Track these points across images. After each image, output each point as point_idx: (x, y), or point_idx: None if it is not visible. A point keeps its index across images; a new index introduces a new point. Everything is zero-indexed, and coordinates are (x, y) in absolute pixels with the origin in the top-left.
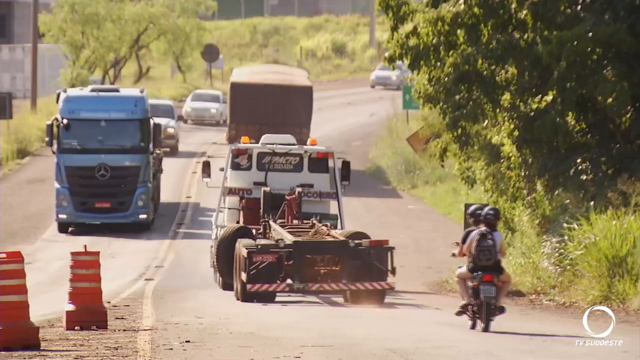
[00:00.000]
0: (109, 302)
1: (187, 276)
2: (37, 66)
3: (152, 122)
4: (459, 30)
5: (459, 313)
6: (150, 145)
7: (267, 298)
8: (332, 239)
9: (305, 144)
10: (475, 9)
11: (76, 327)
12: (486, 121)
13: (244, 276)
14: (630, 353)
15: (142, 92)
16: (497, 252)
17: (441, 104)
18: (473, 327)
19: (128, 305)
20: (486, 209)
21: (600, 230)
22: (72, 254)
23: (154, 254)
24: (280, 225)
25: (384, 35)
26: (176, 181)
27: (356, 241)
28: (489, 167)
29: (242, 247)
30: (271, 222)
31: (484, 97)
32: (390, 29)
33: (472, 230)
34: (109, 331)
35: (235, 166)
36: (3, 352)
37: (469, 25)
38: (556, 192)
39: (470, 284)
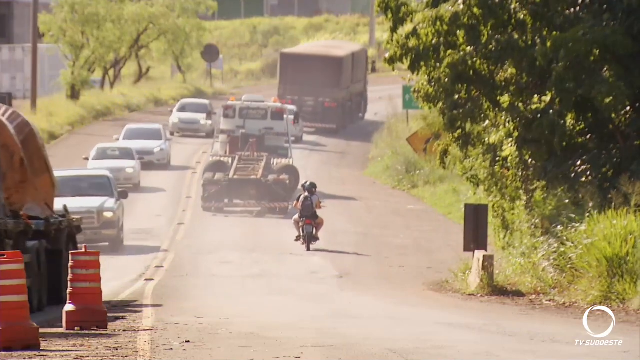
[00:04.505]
0: (109, 302)
1: (187, 276)
2: (37, 66)
3: None
4: (458, 31)
5: (296, 240)
6: None
7: (218, 210)
8: (253, 177)
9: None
10: (475, 10)
11: (76, 327)
12: (487, 122)
13: (201, 198)
14: (630, 353)
15: None
16: (313, 208)
17: (440, 104)
18: (305, 248)
19: (128, 305)
20: (307, 183)
21: (601, 231)
22: (72, 254)
23: (154, 254)
24: (246, 157)
25: (384, 35)
26: (176, 182)
27: (267, 178)
28: (489, 167)
29: (203, 179)
30: (236, 157)
31: (483, 97)
32: (389, 30)
33: (301, 195)
34: (109, 331)
35: (225, 115)
36: (3, 352)
37: (469, 26)
38: (556, 193)
39: (300, 224)
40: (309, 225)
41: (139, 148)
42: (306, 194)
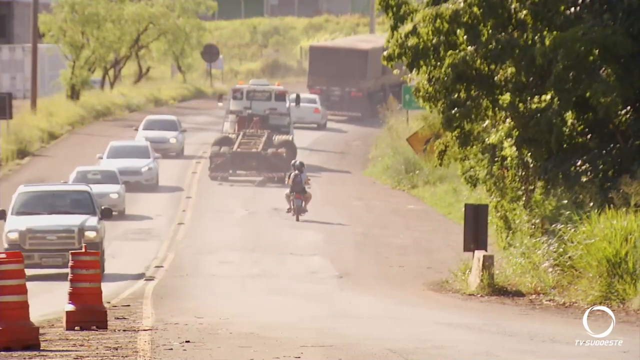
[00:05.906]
0: (109, 302)
1: (187, 276)
2: (37, 66)
3: None
4: (458, 30)
5: (287, 212)
6: None
7: (223, 179)
8: (253, 151)
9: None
10: (475, 9)
11: (76, 327)
12: (486, 121)
13: (208, 169)
14: (630, 353)
15: None
16: (303, 184)
17: (440, 102)
18: (295, 219)
19: (128, 305)
20: (297, 162)
21: (600, 231)
22: (72, 254)
23: (154, 254)
24: (250, 133)
25: (384, 35)
26: (176, 182)
27: (266, 151)
28: (489, 167)
29: (210, 152)
30: (241, 133)
31: (482, 96)
32: (390, 29)
33: (292, 172)
34: (109, 331)
35: (234, 97)
36: (3, 352)
37: (469, 25)
38: (556, 192)
39: (291, 198)
40: (299, 199)
41: (124, 167)
42: (296, 171)
